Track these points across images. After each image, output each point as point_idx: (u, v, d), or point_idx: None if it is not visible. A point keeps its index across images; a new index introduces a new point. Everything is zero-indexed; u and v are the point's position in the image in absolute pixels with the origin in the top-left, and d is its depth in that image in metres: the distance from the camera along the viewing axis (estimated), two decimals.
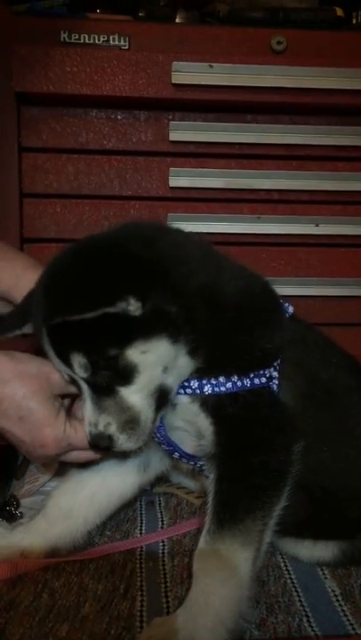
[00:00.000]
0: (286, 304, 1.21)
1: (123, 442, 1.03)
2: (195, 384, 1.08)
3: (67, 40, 1.53)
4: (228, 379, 1.06)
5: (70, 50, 1.50)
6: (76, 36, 1.53)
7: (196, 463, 1.19)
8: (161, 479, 1.45)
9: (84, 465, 1.23)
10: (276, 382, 1.10)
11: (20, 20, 1.51)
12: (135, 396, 1.03)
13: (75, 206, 1.62)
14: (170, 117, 1.60)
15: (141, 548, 1.28)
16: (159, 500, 1.49)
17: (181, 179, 1.61)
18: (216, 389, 1.07)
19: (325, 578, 1.20)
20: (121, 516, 1.38)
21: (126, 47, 1.54)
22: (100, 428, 1.03)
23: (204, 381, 1.07)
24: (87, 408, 1.05)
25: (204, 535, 1.03)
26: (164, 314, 1.02)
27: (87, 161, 1.61)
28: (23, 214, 1.61)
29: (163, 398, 1.06)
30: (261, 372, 1.08)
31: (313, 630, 1.06)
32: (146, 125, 1.60)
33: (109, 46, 1.53)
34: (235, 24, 1.63)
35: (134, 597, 1.12)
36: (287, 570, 1.23)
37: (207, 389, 1.07)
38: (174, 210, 1.64)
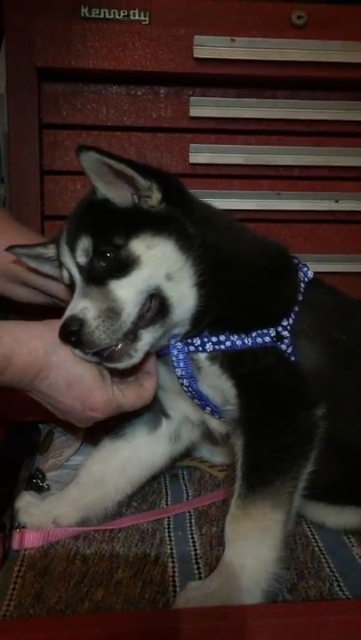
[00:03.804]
0: (305, 269, 1.22)
1: (94, 328, 1.01)
2: (197, 341, 1.11)
3: (87, 15, 1.52)
4: (228, 337, 1.09)
5: (91, 25, 1.49)
6: (97, 11, 1.52)
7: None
8: (184, 454, 1.46)
9: (117, 434, 1.25)
10: (288, 342, 1.10)
11: None
12: (124, 289, 1.04)
13: None
14: (190, 93, 1.59)
15: (169, 517, 1.30)
16: (183, 474, 1.51)
17: (201, 155, 1.61)
18: (217, 347, 1.10)
19: (352, 545, 1.22)
20: (146, 489, 1.40)
21: (146, 22, 1.53)
22: (76, 310, 1.03)
23: (206, 339, 1.10)
24: (73, 298, 1.08)
25: (235, 500, 1.05)
26: (180, 224, 1.08)
27: (107, 137, 1.61)
28: (43, 191, 1.61)
29: (161, 308, 1.07)
30: (265, 332, 1.09)
31: (344, 594, 1.07)
32: (166, 101, 1.60)
33: (130, 21, 1.52)
34: None
35: (165, 564, 1.14)
36: (314, 538, 1.24)
37: (209, 347, 1.10)
38: (194, 186, 1.61)
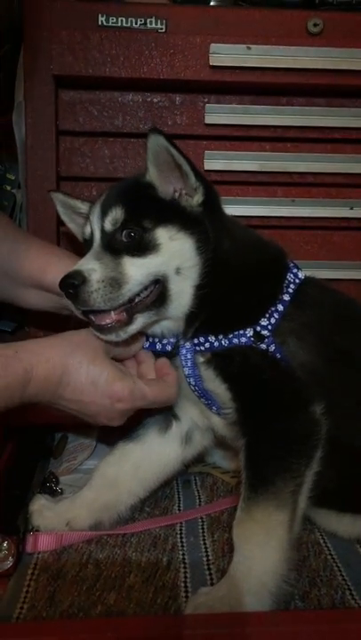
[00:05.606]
0: (296, 269, 1.22)
1: (93, 290, 1.06)
2: (181, 342, 1.17)
3: (104, 24, 1.53)
4: (206, 339, 1.13)
5: (109, 33, 1.51)
6: (114, 20, 1.53)
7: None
8: (197, 460, 1.47)
9: (129, 436, 1.26)
10: (268, 341, 1.11)
11: (58, 4, 1.51)
12: (135, 267, 1.10)
13: None
14: (206, 100, 1.60)
15: (181, 523, 1.30)
16: (195, 480, 1.52)
17: (216, 162, 1.61)
18: (197, 348, 1.14)
19: None
20: (159, 494, 1.41)
21: (163, 30, 1.54)
22: (84, 268, 1.08)
23: (195, 340, 1.15)
24: (85, 256, 1.13)
25: (240, 503, 1.06)
26: (205, 229, 1.14)
27: (123, 144, 1.62)
28: None
29: (160, 296, 1.12)
30: (242, 332, 1.11)
31: (356, 603, 1.07)
32: (182, 108, 1.60)
33: (147, 29, 1.53)
34: (269, 6, 1.63)
35: (177, 569, 1.15)
36: (327, 546, 1.24)
37: (189, 346, 1.16)
38: None
